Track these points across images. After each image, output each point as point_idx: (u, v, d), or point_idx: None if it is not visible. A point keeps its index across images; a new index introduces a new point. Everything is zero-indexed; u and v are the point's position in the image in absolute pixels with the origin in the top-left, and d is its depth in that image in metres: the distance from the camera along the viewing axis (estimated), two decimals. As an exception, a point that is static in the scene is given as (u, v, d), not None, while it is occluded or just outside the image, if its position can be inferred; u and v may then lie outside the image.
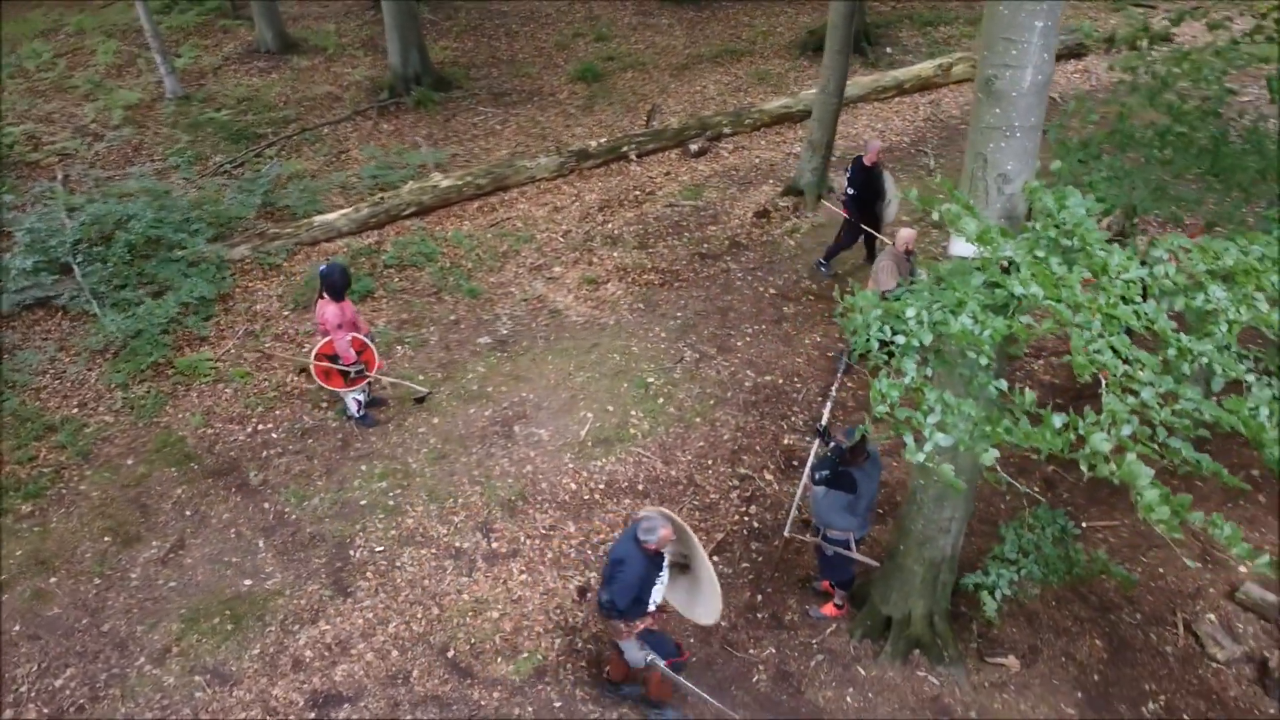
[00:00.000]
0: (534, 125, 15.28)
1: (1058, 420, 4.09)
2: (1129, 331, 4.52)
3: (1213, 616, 7.27)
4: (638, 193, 13.38)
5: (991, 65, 4.94)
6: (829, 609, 7.52)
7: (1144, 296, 4.69)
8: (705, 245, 12.12)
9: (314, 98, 16.07)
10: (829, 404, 7.65)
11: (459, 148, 14.67)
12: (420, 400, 9.63)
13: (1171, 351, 4.47)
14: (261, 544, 8.31)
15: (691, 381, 9.90)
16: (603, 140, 14.14)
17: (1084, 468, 4.20)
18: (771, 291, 11.18)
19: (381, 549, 8.22)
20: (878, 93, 15.32)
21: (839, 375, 7.98)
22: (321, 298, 8.73)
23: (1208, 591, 7.53)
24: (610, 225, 12.63)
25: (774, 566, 7.91)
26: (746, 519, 8.45)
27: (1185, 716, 6.69)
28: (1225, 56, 7.24)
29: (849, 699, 6.90)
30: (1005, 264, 4.90)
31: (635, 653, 6.41)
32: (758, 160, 14.06)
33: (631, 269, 11.69)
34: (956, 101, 15.38)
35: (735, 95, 15.93)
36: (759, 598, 7.74)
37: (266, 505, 8.66)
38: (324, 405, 9.67)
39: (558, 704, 7.02)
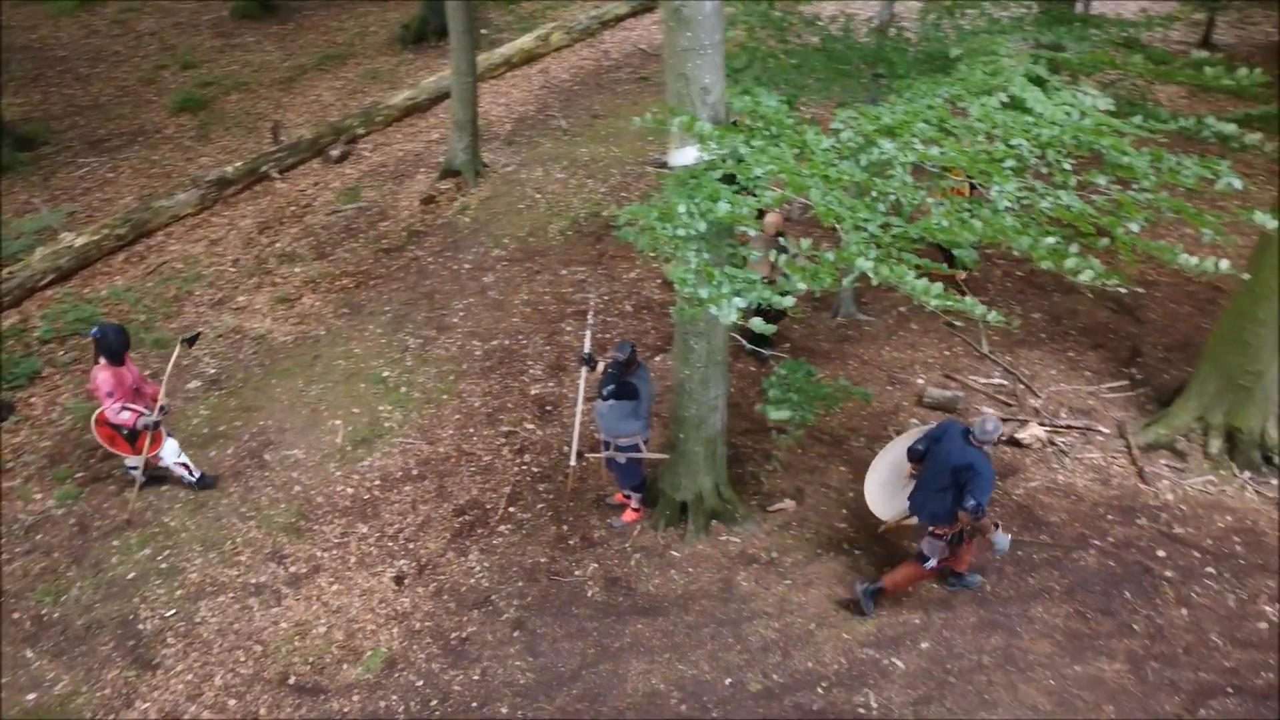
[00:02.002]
0: (151, 165, 14.30)
1: (830, 256, 5.13)
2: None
3: (914, 421, 9.01)
4: (294, 208, 13.13)
5: (678, -3, 5.85)
6: (628, 515, 8.32)
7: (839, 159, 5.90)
8: (385, 241, 12.27)
9: None
10: (589, 334, 8.39)
11: (74, 204, 13.38)
12: (191, 341, 9.05)
13: (873, 194, 5.71)
14: (30, 654, 7.48)
15: (425, 365, 10.17)
16: (238, 165, 13.62)
17: (871, 275, 5.28)
18: (467, 267, 11.65)
19: (173, 611, 7.75)
20: (490, 70, 16.10)
21: (592, 311, 8.77)
22: (97, 362, 7.98)
23: (903, 405, 9.31)
24: (279, 244, 12.34)
25: (567, 497, 8.55)
26: (525, 467, 8.99)
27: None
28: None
29: (675, 578, 7.78)
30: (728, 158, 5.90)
31: (1004, 539, 6.84)
32: (401, 153, 14.32)
33: (320, 279, 11.58)
34: (562, 67, 16.61)
35: (354, 98, 15.95)
36: (565, 528, 8.35)
37: (16, 615, 7.76)
38: (38, 496, 8.76)
39: (420, 683, 7.19)
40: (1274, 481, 8.36)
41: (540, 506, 8.58)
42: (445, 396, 9.77)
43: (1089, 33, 7.86)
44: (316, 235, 12.44)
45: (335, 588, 7.94)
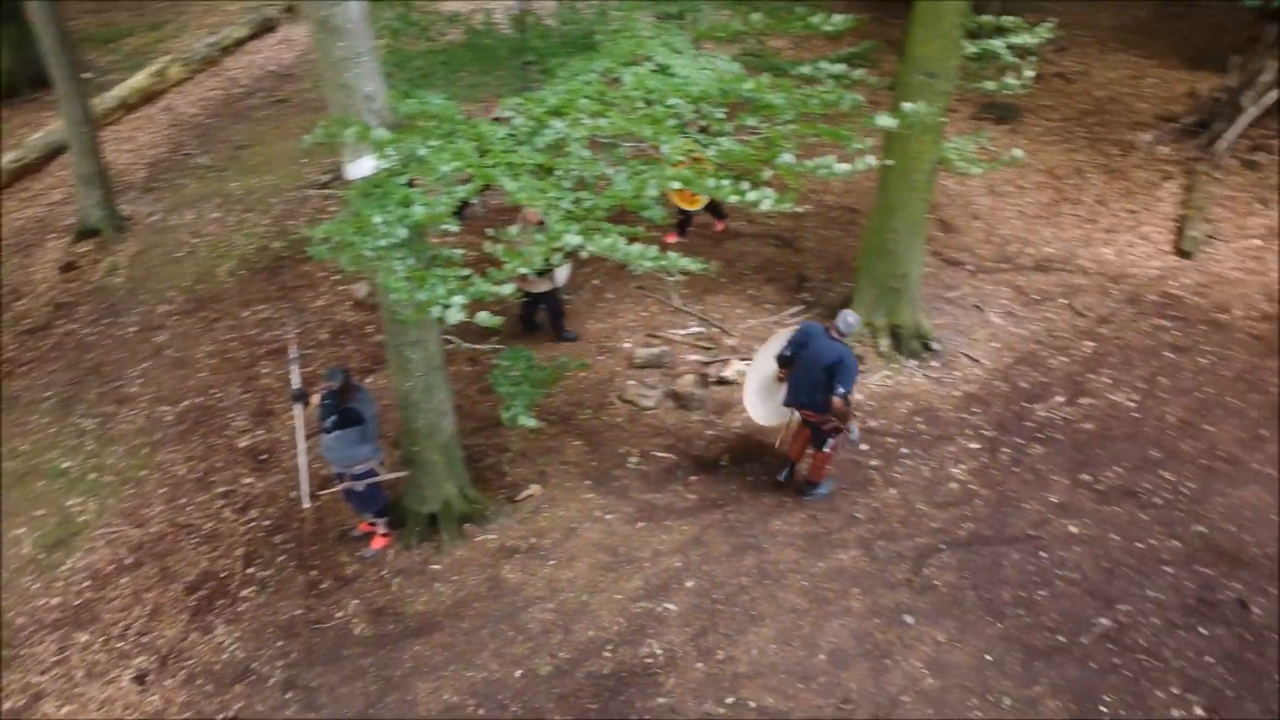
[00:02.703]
0: None
1: (541, 236, 5.28)
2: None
3: (632, 383, 9.45)
4: (-102, 306, 11.32)
5: (324, 8, 5.68)
6: (378, 542, 8.07)
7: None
8: (25, 321, 10.92)
9: None
10: (295, 370, 7.93)
11: None
12: None
13: (557, 173, 5.93)
14: None
15: (111, 444, 9.22)
16: None
17: (585, 247, 5.47)
18: (133, 330, 10.64)
19: None
20: (105, 116, 14.65)
21: (294, 345, 8.28)
22: None
23: (616, 370, 9.72)
24: (-111, 351, 10.60)
25: (308, 542, 8.15)
26: (254, 524, 8.44)
27: (656, 452, 8.79)
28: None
29: (441, 590, 7.68)
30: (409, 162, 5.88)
31: (857, 431, 7.78)
32: (21, 221, 12.76)
33: (-46, 380, 10.11)
34: (189, 101, 15.48)
35: (-59, 170, 13.92)
36: (313, 573, 7.95)
37: None
38: None
39: (194, 778, 6.63)
40: (935, 364, 9.66)
41: (281, 559, 8.11)
42: (144, 472, 8.92)
43: (707, -2, 8.56)
44: (-64, 332, 10.82)
45: (66, 710, 7.10)
